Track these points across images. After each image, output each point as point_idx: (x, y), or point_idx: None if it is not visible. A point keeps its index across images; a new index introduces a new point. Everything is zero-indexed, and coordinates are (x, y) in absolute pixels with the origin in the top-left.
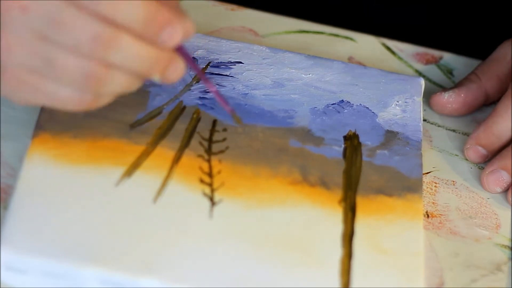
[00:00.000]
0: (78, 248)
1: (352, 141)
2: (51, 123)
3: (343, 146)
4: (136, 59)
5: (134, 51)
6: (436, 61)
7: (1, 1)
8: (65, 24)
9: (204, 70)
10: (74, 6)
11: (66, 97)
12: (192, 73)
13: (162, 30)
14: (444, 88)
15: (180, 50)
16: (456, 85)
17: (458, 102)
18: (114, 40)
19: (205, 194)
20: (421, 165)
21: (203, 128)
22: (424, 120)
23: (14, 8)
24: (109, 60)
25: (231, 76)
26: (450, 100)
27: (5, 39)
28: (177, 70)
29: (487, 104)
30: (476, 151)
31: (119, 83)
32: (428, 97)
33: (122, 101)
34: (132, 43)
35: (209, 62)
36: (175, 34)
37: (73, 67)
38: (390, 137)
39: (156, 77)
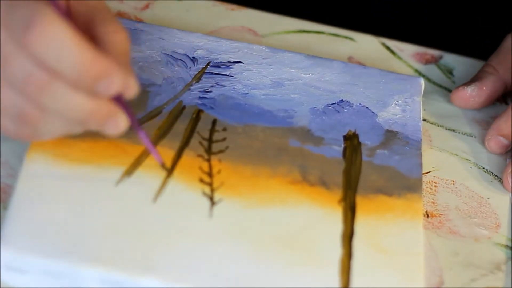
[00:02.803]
0: (78, 248)
1: (351, 141)
2: None
3: (342, 145)
4: (69, 108)
5: (67, 99)
6: (436, 61)
7: None
8: (5, 58)
9: (139, 122)
10: (15, 42)
11: (5, 126)
12: (192, 73)
13: (98, 80)
14: (465, 83)
15: (119, 102)
16: (476, 79)
17: (481, 96)
18: (46, 85)
19: (205, 194)
20: (420, 165)
21: (203, 128)
22: (424, 119)
23: None
24: (42, 104)
25: (231, 76)
26: (473, 94)
27: None
28: (116, 124)
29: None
30: (497, 142)
31: (55, 127)
32: (428, 97)
33: None
34: (65, 91)
35: (209, 62)
36: (112, 85)
37: (9, 102)
38: (390, 136)
39: (93, 128)
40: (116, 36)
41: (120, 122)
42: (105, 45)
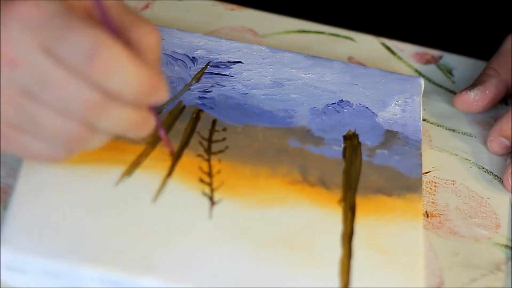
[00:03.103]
0: (78, 248)
1: (351, 141)
2: None
3: (342, 145)
4: (120, 124)
5: (120, 117)
6: (435, 61)
7: None
8: (53, 85)
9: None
10: (65, 67)
11: (41, 152)
12: (192, 72)
13: (150, 96)
14: (467, 87)
15: (151, 108)
16: (478, 83)
17: (484, 99)
18: (104, 107)
19: (204, 194)
20: (420, 165)
21: (203, 128)
22: (424, 119)
23: (2, 63)
24: (95, 125)
25: (230, 76)
26: (476, 98)
27: None
28: (149, 129)
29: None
30: (499, 143)
31: (97, 143)
32: (428, 97)
33: None
34: (118, 109)
35: (209, 62)
36: (159, 98)
37: (58, 127)
38: (390, 136)
39: (130, 135)
40: (149, 39)
41: (151, 126)
42: (139, 48)
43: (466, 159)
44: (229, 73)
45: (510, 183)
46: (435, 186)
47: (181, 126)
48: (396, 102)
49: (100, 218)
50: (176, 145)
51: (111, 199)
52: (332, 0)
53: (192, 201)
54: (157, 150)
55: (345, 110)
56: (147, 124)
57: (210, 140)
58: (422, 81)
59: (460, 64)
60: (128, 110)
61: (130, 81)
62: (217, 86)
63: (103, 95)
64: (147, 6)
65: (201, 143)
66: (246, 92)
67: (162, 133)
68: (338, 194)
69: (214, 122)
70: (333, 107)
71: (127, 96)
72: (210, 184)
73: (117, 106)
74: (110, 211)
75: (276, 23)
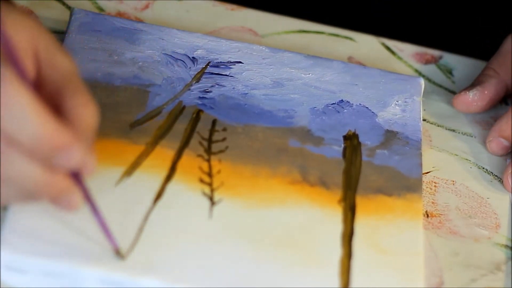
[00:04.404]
0: (78, 248)
1: (351, 141)
2: None
3: (342, 146)
4: (23, 177)
5: (21, 168)
6: (435, 61)
7: None
8: None
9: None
10: None
11: None
12: (192, 72)
13: (56, 153)
14: (466, 88)
15: (76, 179)
16: (477, 83)
17: (483, 100)
18: (5, 152)
19: (204, 194)
20: (420, 165)
21: (203, 128)
22: (424, 119)
23: None
24: (3, 175)
25: (230, 76)
26: (475, 98)
27: None
28: (69, 202)
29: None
30: (499, 143)
31: (8, 195)
32: (428, 97)
33: (122, 101)
34: (20, 159)
35: (209, 62)
36: (69, 160)
37: None
38: (390, 136)
39: (46, 201)
40: (84, 110)
41: (73, 200)
42: (71, 117)
43: (466, 159)
44: (229, 73)
45: (510, 183)
46: (435, 186)
47: (181, 126)
48: (396, 102)
49: None
50: (176, 145)
51: (111, 199)
52: (332, 0)
53: (192, 201)
54: (157, 150)
55: (345, 110)
56: (66, 195)
57: (210, 140)
58: (422, 81)
59: (460, 64)
60: (34, 166)
61: (27, 125)
62: (217, 86)
63: (4, 138)
64: (147, 6)
65: (201, 143)
66: (246, 92)
67: (96, 218)
68: (338, 194)
69: (214, 122)
70: (333, 107)
71: (26, 143)
72: (210, 184)
73: (20, 156)
74: (110, 211)
75: (276, 23)
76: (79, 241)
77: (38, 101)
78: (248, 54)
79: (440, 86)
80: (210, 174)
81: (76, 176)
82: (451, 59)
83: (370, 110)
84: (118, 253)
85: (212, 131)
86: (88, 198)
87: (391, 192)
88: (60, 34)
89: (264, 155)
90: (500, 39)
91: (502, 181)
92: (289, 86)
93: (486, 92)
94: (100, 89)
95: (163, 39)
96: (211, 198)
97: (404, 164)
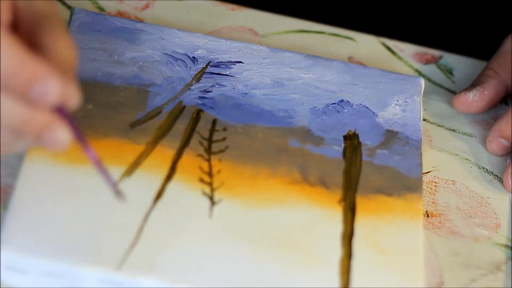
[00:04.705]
0: (78, 248)
1: (352, 141)
2: None
3: (343, 145)
4: (4, 115)
5: (3, 107)
6: (436, 61)
7: None
8: None
9: (86, 142)
10: None
11: None
12: (193, 72)
13: (31, 85)
14: (466, 88)
15: (62, 114)
16: (477, 83)
17: (483, 100)
18: None
19: (205, 194)
20: (420, 165)
21: (203, 128)
22: (424, 119)
23: None
24: None
25: (231, 76)
26: (475, 99)
27: None
28: (55, 137)
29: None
30: (499, 143)
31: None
32: (428, 97)
33: (122, 101)
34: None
35: (209, 62)
36: (47, 92)
37: None
38: (390, 136)
39: (30, 140)
40: (59, 43)
41: (59, 135)
42: (48, 53)
43: (466, 159)
44: (229, 73)
45: (510, 183)
46: (435, 186)
47: (181, 126)
48: (396, 102)
49: (100, 218)
50: (176, 145)
51: (111, 199)
52: (332, 0)
53: (192, 201)
54: (157, 150)
55: (345, 110)
56: (50, 131)
57: (210, 140)
58: (422, 81)
59: (460, 64)
60: (10, 100)
61: None
62: (217, 86)
63: None
64: (147, 6)
65: (201, 143)
66: (246, 92)
67: (90, 155)
68: (338, 194)
69: (214, 122)
70: (333, 107)
71: None
72: (210, 184)
73: None
74: (110, 211)
75: (276, 23)
76: (79, 241)
77: (10, 36)
78: (248, 54)
79: (440, 86)
80: (210, 174)
81: (61, 111)
82: (451, 59)
83: (370, 110)
84: (118, 194)
85: (212, 131)
86: (77, 133)
87: (391, 192)
88: None
89: (264, 155)
90: (500, 39)
91: (502, 181)
92: (289, 86)
93: (486, 92)
94: (100, 89)
95: (163, 39)
96: (211, 198)
97: (404, 164)
